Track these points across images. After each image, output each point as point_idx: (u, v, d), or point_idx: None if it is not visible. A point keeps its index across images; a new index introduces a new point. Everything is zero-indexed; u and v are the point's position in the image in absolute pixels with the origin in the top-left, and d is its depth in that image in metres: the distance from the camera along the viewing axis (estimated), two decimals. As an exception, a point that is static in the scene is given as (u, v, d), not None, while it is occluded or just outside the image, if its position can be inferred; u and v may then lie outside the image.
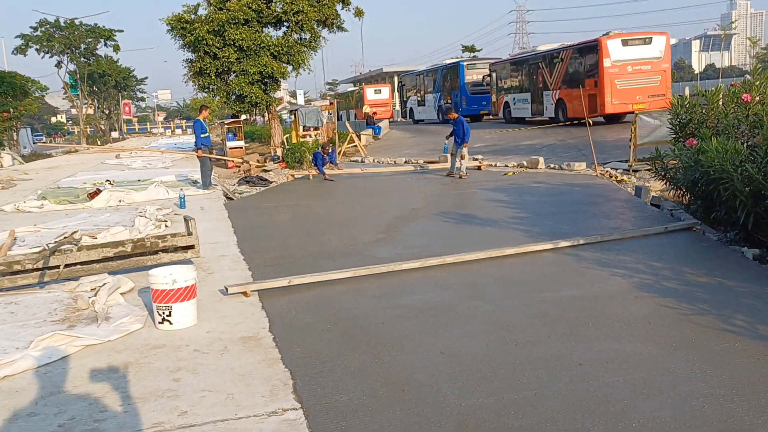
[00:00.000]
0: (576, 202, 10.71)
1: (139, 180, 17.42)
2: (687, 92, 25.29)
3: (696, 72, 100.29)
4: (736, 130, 8.20)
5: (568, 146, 18.01)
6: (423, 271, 6.96)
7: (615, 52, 21.34)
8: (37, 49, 50.98)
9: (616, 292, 6.03)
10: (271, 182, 16.33)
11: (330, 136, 23.54)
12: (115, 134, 71.12)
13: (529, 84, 26.86)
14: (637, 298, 5.79)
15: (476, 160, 16.29)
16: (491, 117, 31.45)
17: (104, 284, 6.59)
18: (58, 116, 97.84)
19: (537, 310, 5.59)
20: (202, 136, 14.93)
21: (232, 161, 21.58)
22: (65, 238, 7.58)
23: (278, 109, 28.92)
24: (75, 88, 54.70)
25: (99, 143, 54.20)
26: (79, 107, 56.71)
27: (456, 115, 14.82)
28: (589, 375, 4.26)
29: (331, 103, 30.20)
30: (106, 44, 55.32)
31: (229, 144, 25.24)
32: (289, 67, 22.35)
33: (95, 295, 6.38)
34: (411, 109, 39.43)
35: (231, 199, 13.82)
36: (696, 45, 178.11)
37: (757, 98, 8.38)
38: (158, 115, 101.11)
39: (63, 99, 68.22)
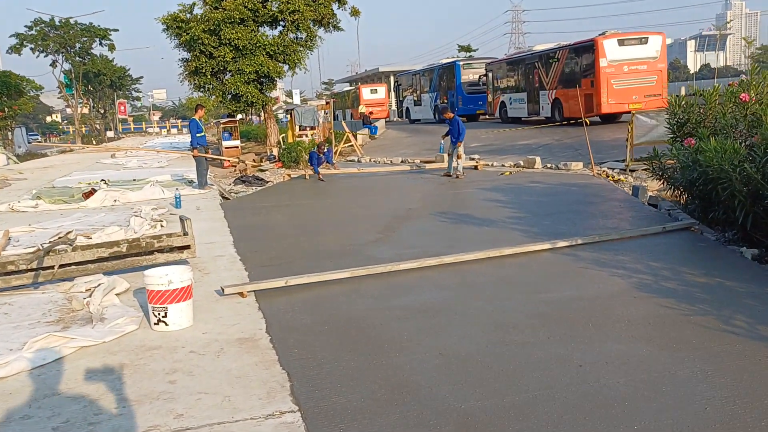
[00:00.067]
0: (573, 202, 10.69)
1: (134, 179, 17.35)
2: (683, 92, 25.30)
3: (691, 72, 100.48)
4: (734, 130, 8.18)
5: (564, 146, 18.00)
6: (421, 271, 6.91)
7: (611, 51, 21.37)
8: (31, 48, 50.91)
9: (616, 292, 5.99)
10: (268, 182, 16.29)
11: (326, 135, 23.51)
12: (110, 134, 71.02)
13: (525, 84, 26.86)
14: (636, 298, 5.76)
15: (473, 159, 16.28)
16: (487, 117, 31.48)
17: (99, 285, 6.53)
18: (53, 115, 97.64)
19: (536, 311, 5.55)
20: (197, 135, 14.87)
21: (228, 161, 21.52)
22: (60, 238, 7.52)
23: (274, 108, 28.86)
24: (70, 88, 54.58)
25: (94, 143, 54.03)
26: (74, 106, 56.61)
27: (452, 115, 14.84)
28: (589, 376, 4.22)
29: (327, 103, 30.18)
30: (101, 43, 55.34)
31: (225, 143, 25.17)
32: (285, 67, 22.33)
33: (90, 295, 6.32)
34: (407, 108, 39.42)
35: (227, 198, 13.76)
36: (691, 45, 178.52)
37: (755, 98, 8.36)
38: (154, 114, 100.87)
39: (58, 98, 68.08)
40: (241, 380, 4.38)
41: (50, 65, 53.30)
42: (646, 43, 21.82)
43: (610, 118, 22.45)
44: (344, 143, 23.10)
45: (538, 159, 15.13)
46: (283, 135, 24.08)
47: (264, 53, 21.13)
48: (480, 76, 31.46)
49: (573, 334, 4.99)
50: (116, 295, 6.38)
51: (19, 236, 9.69)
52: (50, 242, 7.19)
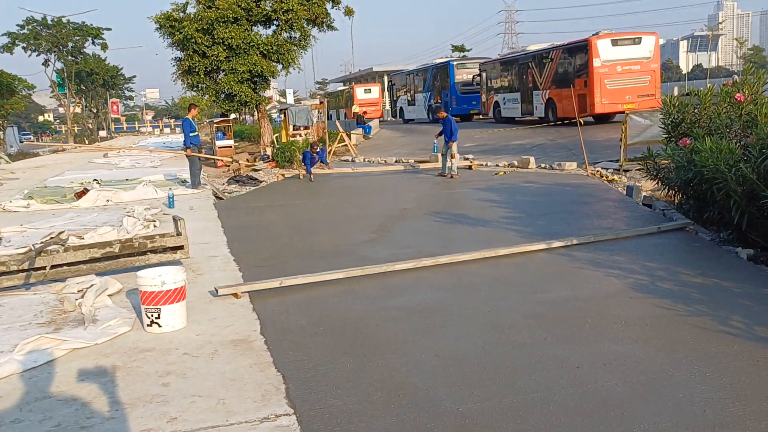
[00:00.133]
0: (568, 202, 10.67)
1: (127, 179, 17.25)
2: (675, 92, 25.42)
3: (684, 72, 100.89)
4: (728, 130, 8.18)
5: (558, 146, 18.01)
6: (416, 271, 6.88)
7: (605, 52, 21.38)
8: (24, 47, 50.59)
9: (612, 292, 5.97)
10: (261, 182, 16.22)
11: (320, 135, 23.45)
12: (102, 133, 70.71)
13: (519, 84, 26.86)
14: (632, 299, 5.74)
15: (467, 159, 16.25)
16: (481, 117, 31.46)
17: (91, 286, 6.46)
18: (46, 115, 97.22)
19: (533, 311, 5.52)
20: (191, 135, 14.79)
21: (222, 160, 21.44)
22: (52, 238, 7.45)
23: (268, 108, 28.78)
24: (62, 87, 54.33)
25: (87, 142, 53.75)
26: (66, 106, 56.31)
27: (445, 114, 14.87)
28: (587, 378, 4.19)
29: (321, 102, 30.09)
30: (93, 42, 55.05)
31: (219, 143, 25.07)
32: (279, 66, 22.25)
33: (82, 296, 6.25)
34: (401, 108, 39.38)
35: (221, 198, 13.68)
36: (683, 45, 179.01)
37: (749, 98, 8.36)
38: (146, 113, 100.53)
39: (50, 97, 67.81)
40: (236, 383, 4.33)
41: (42, 64, 53.03)
42: (639, 43, 21.85)
43: (604, 118, 22.47)
44: (338, 143, 23.04)
45: (532, 159, 15.12)
46: (277, 135, 24.00)
47: (257, 52, 21.05)
48: (474, 76, 31.46)
49: (570, 334, 4.96)
50: (109, 296, 6.31)
51: (10, 236, 9.61)
52: (42, 242, 7.11)
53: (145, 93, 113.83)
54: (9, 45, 49.53)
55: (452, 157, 14.35)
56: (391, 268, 6.89)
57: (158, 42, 22.74)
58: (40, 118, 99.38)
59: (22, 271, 6.48)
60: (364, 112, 36.20)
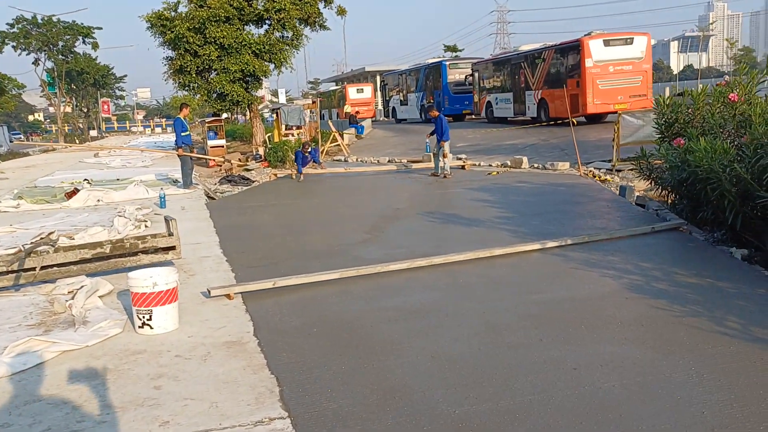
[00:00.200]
0: (561, 202, 10.66)
1: (118, 179, 17.14)
2: (667, 92, 25.43)
3: (674, 73, 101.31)
4: (722, 130, 8.18)
5: (550, 146, 18.01)
6: (411, 272, 6.83)
7: (597, 52, 21.43)
8: (13, 46, 50.25)
9: (607, 293, 5.95)
10: (254, 181, 16.14)
11: (313, 135, 23.37)
12: (93, 132, 70.32)
13: (511, 84, 26.88)
14: (628, 299, 5.71)
15: (460, 159, 16.23)
16: (474, 117, 31.47)
17: (82, 287, 6.38)
18: (36, 114, 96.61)
19: (528, 312, 5.49)
20: (182, 134, 14.71)
21: (214, 160, 21.33)
22: (42, 238, 7.36)
23: (260, 107, 28.65)
24: (53, 86, 53.98)
25: (77, 142, 53.45)
26: (57, 105, 55.97)
27: (437, 113, 14.86)
28: (584, 380, 4.16)
29: (314, 102, 30.01)
30: (84, 41, 54.73)
31: (210, 143, 24.97)
32: (271, 66, 22.16)
33: (72, 298, 6.17)
34: (394, 108, 39.32)
35: (212, 198, 13.61)
36: (674, 46, 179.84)
37: (743, 98, 8.36)
38: (138, 113, 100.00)
39: (40, 97, 67.39)
40: (229, 385, 4.27)
41: (33, 63, 52.70)
42: (631, 43, 21.92)
43: (596, 119, 22.52)
44: (331, 143, 22.98)
45: (525, 159, 15.11)
46: (269, 134, 23.91)
47: (250, 52, 20.95)
48: (466, 76, 31.46)
49: (566, 335, 4.93)
50: (99, 297, 6.24)
51: (-1, 237, 9.51)
52: (32, 243, 7.03)
53: (136, 92, 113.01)
54: (-1, 44, 49.20)
55: (444, 156, 14.33)
56: (385, 268, 6.85)
57: (149, 41, 22.61)
58: (31, 118, 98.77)
59: (12, 272, 6.39)
60: (357, 112, 36.18)
